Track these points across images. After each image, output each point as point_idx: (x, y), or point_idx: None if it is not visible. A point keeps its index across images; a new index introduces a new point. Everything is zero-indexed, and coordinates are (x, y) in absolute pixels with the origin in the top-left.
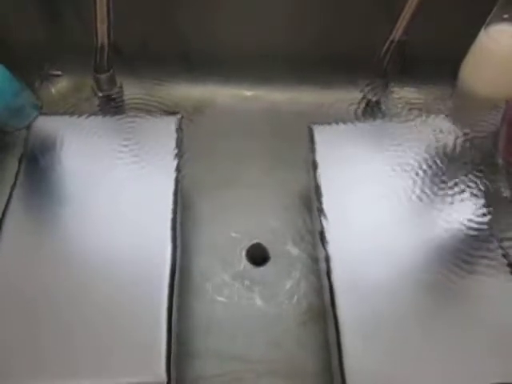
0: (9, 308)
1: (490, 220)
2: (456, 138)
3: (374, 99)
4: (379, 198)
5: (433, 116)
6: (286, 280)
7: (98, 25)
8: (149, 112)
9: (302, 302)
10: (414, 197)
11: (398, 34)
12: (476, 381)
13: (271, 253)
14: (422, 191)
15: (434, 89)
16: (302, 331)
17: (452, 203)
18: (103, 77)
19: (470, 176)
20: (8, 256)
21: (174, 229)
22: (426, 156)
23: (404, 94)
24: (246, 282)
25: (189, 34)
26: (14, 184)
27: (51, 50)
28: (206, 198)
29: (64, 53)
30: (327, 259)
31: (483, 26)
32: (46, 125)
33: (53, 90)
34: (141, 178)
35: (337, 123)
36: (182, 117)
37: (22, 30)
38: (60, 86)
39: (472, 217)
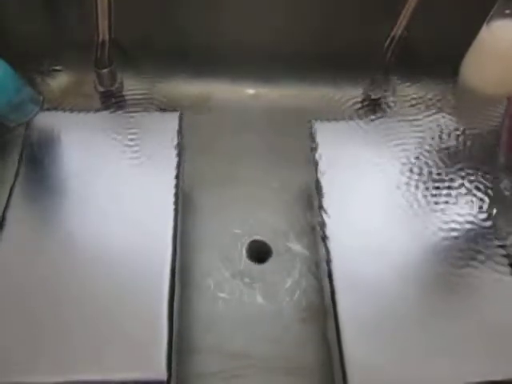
0: (9, 304)
1: (492, 218)
2: (458, 134)
3: (376, 96)
4: (380, 195)
5: (434, 113)
6: (286, 277)
7: (99, 20)
8: (150, 108)
9: (303, 299)
10: (415, 194)
11: (399, 30)
12: (476, 378)
13: (272, 250)
14: (424, 189)
15: (435, 85)
16: (302, 328)
17: (453, 201)
18: (104, 72)
19: (472, 173)
20: (9, 252)
21: (174, 225)
22: (428, 153)
23: (405, 90)
24: (247, 279)
25: (190, 30)
26: (15, 180)
27: (52, 45)
28: (206, 194)
29: (65, 48)
30: (328, 256)
31: (485, 22)
32: (47, 120)
33: (53, 86)
34: (141, 175)
35: (338, 120)
36: (183, 113)
37: (23, 25)
38: (60, 81)
39: (474, 215)
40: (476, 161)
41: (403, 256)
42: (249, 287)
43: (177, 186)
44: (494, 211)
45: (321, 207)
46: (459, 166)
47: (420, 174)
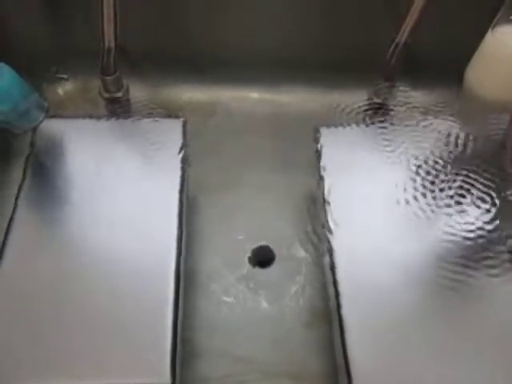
0: (13, 310)
1: (497, 223)
2: (463, 140)
3: (380, 102)
4: (385, 200)
5: (439, 118)
6: (291, 282)
7: (105, 27)
8: (154, 114)
9: (307, 304)
10: (420, 200)
11: (403, 36)
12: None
13: (277, 255)
14: (429, 194)
15: (440, 91)
16: (306, 333)
17: (459, 206)
18: (109, 79)
19: (477, 179)
20: (14, 257)
21: (179, 230)
22: (433, 159)
23: (410, 96)
24: (252, 284)
25: (195, 36)
26: (21, 186)
27: (58, 52)
28: (211, 199)
29: (70, 55)
30: (332, 261)
31: (490, 28)
32: (53, 127)
33: (59, 92)
34: (146, 180)
35: (343, 125)
36: (188, 119)
37: (30, 33)
38: (66, 88)
39: (478, 220)
40: (481, 166)
41: (408, 261)
42: (253, 292)
43: (181, 191)
44: (500, 217)
45: (325, 212)
46: (465, 171)
47: (425, 179)
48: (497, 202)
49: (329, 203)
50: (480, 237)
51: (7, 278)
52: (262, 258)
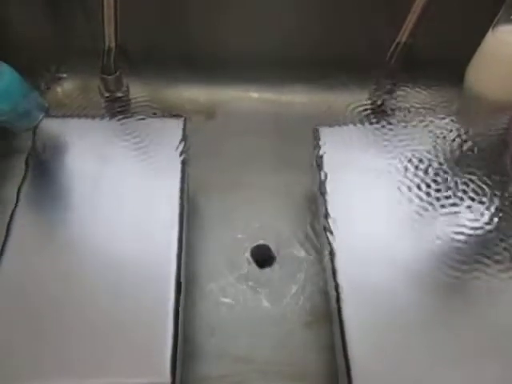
0: (13, 309)
1: (497, 224)
2: (463, 140)
3: (380, 101)
4: (385, 200)
5: (439, 118)
6: (291, 282)
7: (106, 27)
8: (154, 114)
9: (308, 304)
10: (419, 199)
11: (404, 36)
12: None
13: (276, 254)
14: (428, 194)
15: (440, 91)
16: (307, 333)
17: (458, 206)
18: (110, 78)
19: (478, 178)
20: (14, 257)
21: (179, 230)
22: (432, 159)
23: (410, 96)
24: (252, 284)
25: (195, 36)
26: (21, 186)
27: (58, 51)
28: (211, 199)
29: (71, 55)
30: (333, 261)
31: (490, 28)
32: (53, 126)
33: (59, 92)
34: (146, 180)
35: (343, 125)
36: (188, 119)
37: (30, 32)
38: (66, 87)
39: (479, 220)
40: (482, 166)
41: (409, 261)
42: (253, 292)
43: (182, 191)
44: (500, 216)
45: (325, 212)
46: (465, 170)
47: (426, 178)
48: (497, 201)
49: (329, 203)
50: (480, 236)
51: (7, 277)
52: (262, 257)
